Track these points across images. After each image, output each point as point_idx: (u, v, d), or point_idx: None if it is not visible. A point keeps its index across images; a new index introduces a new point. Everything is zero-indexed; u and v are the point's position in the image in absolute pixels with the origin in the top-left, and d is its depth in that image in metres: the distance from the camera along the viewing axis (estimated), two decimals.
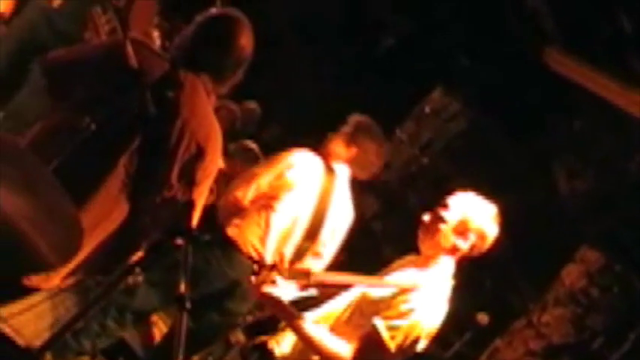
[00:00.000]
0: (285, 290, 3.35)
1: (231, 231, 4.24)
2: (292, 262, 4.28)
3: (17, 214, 2.00)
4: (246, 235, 4.21)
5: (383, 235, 7.10)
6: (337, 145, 4.48)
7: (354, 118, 4.58)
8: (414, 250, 3.58)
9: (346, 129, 4.52)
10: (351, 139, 4.47)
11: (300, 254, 4.31)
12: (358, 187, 7.45)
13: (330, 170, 4.40)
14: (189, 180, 2.98)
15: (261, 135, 7.21)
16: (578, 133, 7.45)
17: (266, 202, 4.25)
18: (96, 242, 2.93)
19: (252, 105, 7.30)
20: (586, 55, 6.95)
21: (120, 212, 3.01)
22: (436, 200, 3.62)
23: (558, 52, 7.07)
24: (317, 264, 4.36)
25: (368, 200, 7.27)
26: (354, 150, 4.47)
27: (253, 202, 4.28)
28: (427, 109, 7.75)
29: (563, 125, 7.46)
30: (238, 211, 4.24)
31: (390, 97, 7.52)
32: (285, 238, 4.26)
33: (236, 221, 4.24)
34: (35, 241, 1.98)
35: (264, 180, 4.31)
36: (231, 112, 6.39)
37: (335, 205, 4.39)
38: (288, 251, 4.29)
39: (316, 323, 3.32)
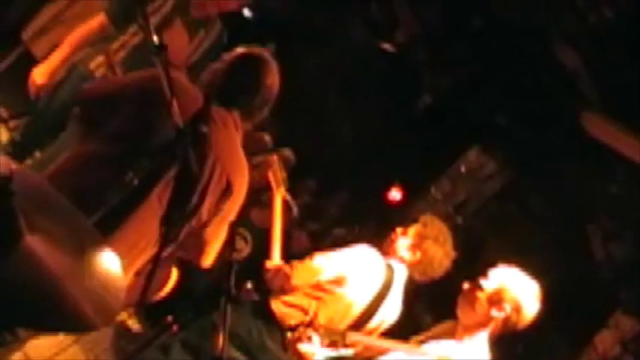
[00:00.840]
0: (320, 349, 3.37)
1: (275, 306, 4.22)
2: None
3: (61, 271, 2.02)
4: (291, 314, 4.19)
5: (416, 297, 7.05)
6: (402, 248, 4.46)
7: (425, 219, 4.55)
8: (450, 316, 3.58)
9: (415, 231, 4.49)
10: (418, 245, 4.46)
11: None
12: None
13: (389, 269, 4.39)
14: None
15: (296, 187, 7.22)
16: (615, 196, 7.40)
17: (320, 293, 4.24)
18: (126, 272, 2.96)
19: (287, 152, 7.35)
20: (624, 120, 6.94)
21: (148, 242, 3.03)
22: (469, 261, 3.65)
23: (596, 116, 7.06)
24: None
25: None
26: (418, 255, 4.46)
27: (306, 287, 4.26)
28: (463, 168, 7.74)
29: (600, 188, 7.41)
30: (288, 288, 4.21)
31: (426, 154, 7.54)
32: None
33: (284, 298, 4.22)
34: (79, 302, 2.00)
35: (323, 273, 4.29)
36: (286, 159, 6.40)
37: (387, 303, 4.37)
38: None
39: None
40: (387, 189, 7.53)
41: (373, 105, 7.92)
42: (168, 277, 3.29)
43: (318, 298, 4.23)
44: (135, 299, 2.84)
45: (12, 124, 5.96)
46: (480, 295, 3.44)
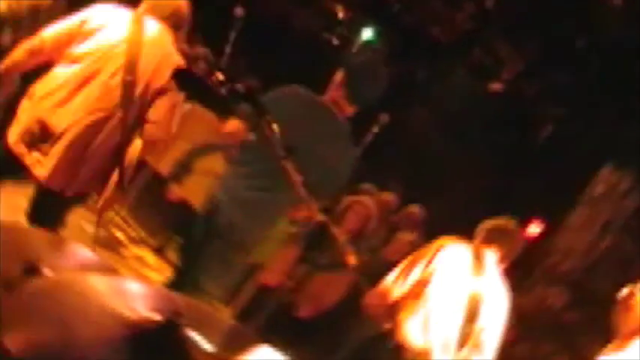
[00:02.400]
0: None
1: (388, 325, 4.34)
2: (458, 347, 4.28)
3: None
4: (408, 327, 4.28)
5: (575, 324, 6.92)
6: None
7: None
8: (607, 337, 3.57)
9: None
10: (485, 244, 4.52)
11: (463, 339, 4.30)
12: (543, 279, 7.35)
13: (478, 257, 4.43)
14: None
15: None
16: None
17: (419, 290, 4.32)
18: None
19: (415, 209, 7.44)
20: None
21: None
22: (624, 282, 3.64)
23: None
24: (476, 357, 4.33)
25: (555, 291, 7.16)
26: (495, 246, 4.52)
27: (406, 294, 4.36)
28: (598, 190, 7.62)
29: None
30: (389, 306, 4.33)
31: (553, 185, 7.49)
32: (443, 323, 4.28)
33: (393, 317, 4.33)
34: None
35: (416, 271, 4.39)
36: (367, 208, 6.49)
37: (487, 291, 4.38)
38: (453, 336, 4.29)
39: None
40: (525, 225, 7.48)
41: (490, 146, 7.95)
42: None
43: (420, 295, 4.36)
44: None
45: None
46: (636, 301, 3.44)
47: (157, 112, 3.97)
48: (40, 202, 3.96)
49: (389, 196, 7.77)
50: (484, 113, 8.87)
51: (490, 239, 4.52)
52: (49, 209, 3.97)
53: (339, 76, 4.25)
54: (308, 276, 6.03)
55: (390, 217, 7.23)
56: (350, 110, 4.22)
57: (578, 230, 7.50)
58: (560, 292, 7.09)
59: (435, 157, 10.78)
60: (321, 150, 4.06)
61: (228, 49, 4.86)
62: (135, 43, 3.90)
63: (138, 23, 3.96)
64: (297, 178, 3.24)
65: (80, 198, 4.15)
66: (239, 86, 3.78)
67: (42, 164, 3.80)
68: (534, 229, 7.88)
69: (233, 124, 4.17)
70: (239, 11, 5.22)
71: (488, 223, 4.59)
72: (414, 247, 6.39)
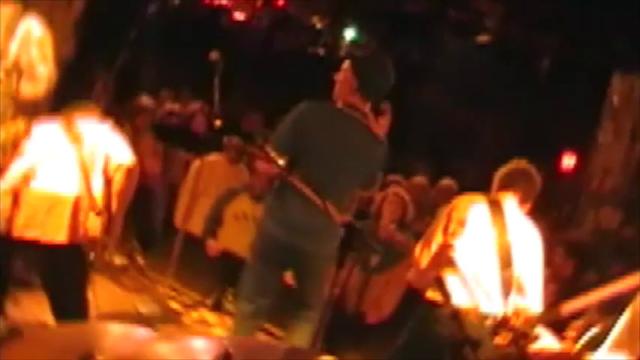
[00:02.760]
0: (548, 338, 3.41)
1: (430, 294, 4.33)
2: (504, 293, 4.24)
3: None
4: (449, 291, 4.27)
5: (635, 239, 6.81)
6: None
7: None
8: None
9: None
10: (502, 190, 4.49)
11: (505, 287, 4.26)
12: (592, 205, 7.26)
13: (495, 205, 4.39)
14: None
15: None
16: None
17: (446, 253, 4.30)
18: None
19: (448, 182, 7.45)
20: None
21: None
22: None
23: None
24: (527, 301, 4.28)
25: (606, 213, 7.07)
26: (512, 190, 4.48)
27: (433, 258, 4.34)
28: (615, 102, 7.56)
29: None
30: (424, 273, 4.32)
31: (570, 113, 7.45)
32: (480, 276, 4.25)
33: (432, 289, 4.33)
34: None
35: (438, 236, 4.38)
36: (401, 198, 6.49)
37: (515, 235, 4.34)
38: (494, 287, 4.26)
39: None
40: (558, 161, 7.45)
41: (502, 100, 7.94)
42: None
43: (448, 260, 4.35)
44: None
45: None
46: None
47: None
48: None
49: (419, 180, 7.78)
50: (482, 67, 8.90)
51: (506, 185, 4.47)
52: None
53: (348, 76, 4.48)
54: (365, 282, 6.04)
55: (425, 199, 7.22)
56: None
57: (609, 146, 7.44)
58: (612, 211, 7.02)
59: (451, 126, 10.78)
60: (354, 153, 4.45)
61: (216, 95, 4.91)
62: None
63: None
64: (306, 190, 3.34)
65: None
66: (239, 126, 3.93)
67: None
68: (568, 161, 7.82)
69: (259, 166, 4.37)
70: (214, 55, 5.26)
71: (501, 170, 4.55)
72: None
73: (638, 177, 7.21)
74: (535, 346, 3.70)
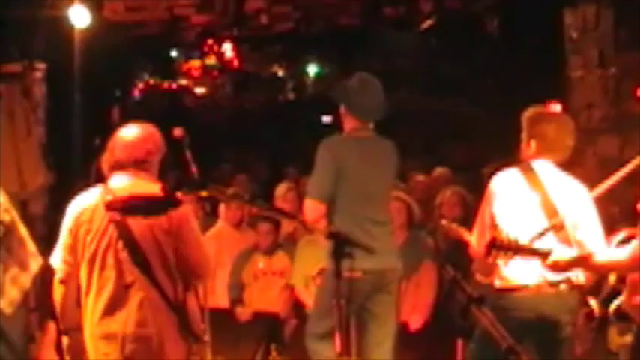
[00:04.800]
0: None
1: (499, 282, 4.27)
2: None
3: None
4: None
5: None
6: (524, 150, 4.42)
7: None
8: None
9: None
10: (529, 137, 4.40)
11: (563, 240, 4.19)
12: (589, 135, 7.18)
13: (526, 169, 4.33)
14: None
15: None
16: None
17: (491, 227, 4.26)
18: None
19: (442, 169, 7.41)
20: None
21: None
22: None
23: None
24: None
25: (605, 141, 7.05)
26: (534, 143, 4.39)
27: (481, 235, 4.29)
28: (575, 37, 7.56)
29: None
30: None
31: (537, 63, 7.44)
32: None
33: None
34: None
35: (486, 219, 4.31)
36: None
37: (555, 187, 4.27)
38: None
39: None
40: None
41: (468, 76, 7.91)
42: None
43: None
44: None
45: None
46: None
47: None
48: None
49: (442, 171, 7.83)
50: (436, 50, 8.93)
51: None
52: None
53: (341, 107, 4.92)
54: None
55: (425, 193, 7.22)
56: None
57: (582, 80, 7.41)
58: (609, 139, 7.01)
59: (436, 112, 10.77)
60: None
61: (192, 167, 4.88)
62: None
63: None
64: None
65: None
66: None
67: None
68: (555, 109, 7.78)
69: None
70: (177, 131, 5.25)
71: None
72: None
73: (618, 99, 7.18)
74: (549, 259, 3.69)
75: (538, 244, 3.94)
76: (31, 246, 4.26)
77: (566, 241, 4.13)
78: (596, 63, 7.32)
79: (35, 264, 4.43)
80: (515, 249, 3.81)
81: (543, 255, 3.80)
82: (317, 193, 4.75)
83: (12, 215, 4.09)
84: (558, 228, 4.13)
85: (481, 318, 3.19)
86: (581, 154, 6.89)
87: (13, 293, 4.51)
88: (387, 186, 5.03)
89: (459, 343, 4.65)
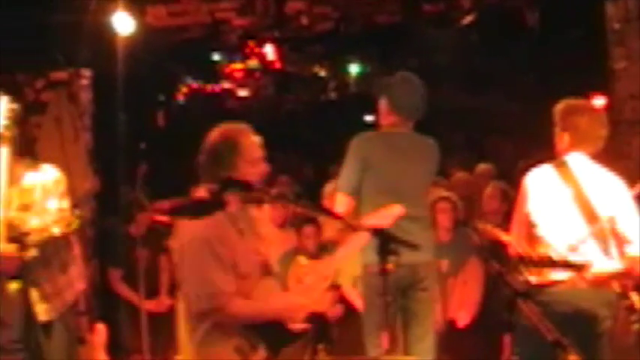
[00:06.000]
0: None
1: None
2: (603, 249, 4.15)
3: None
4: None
5: None
6: (558, 144, 4.41)
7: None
8: None
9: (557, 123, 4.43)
10: (562, 130, 4.38)
11: (602, 240, 4.17)
12: (633, 126, 7.10)
13: (559, 164, 4.31)
14: None
15: None
16: None
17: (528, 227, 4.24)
18: None
19: (485, 165, 7.38)
20: None
21: None
22: None
23: None
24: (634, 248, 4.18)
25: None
26: (567, 136, 4.38)
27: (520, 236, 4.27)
28: (616, 28, 7.47)
29: None
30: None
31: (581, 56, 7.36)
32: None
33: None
34: None
35: (523, 216, 4.31)
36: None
37: (591, 185, 4.25)
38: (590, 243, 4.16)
39: None
40: None
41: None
42: None
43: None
44: None
45: None
46: None
47: None
48: None
49: (484, 167, 7.82)
50: (477, 46, 8.88)
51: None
52: None
53: (383, 104, 4.99)
54: (443, 290, 5.98)
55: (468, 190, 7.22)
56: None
57: (626, 71, 7.31)
58: None
59: (477, 109, 10.72)
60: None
61: None
62: None
63: None
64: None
65: None
66: None
67: None
68: (599, 102, 7.71)
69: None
70: None
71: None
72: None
73: None
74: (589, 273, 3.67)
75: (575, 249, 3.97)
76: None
77: (602, 236, 4.12)
78: (638, 54, 7.22)
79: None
80: (548, 264, 3.81)
81: (580, 268, 3.79)
82: (344, 186, 4.88)
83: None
84: (593, 222, 4.14)
85: (527, 312, 3.18)
86: (628, 146, 6.82)
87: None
88: (421, 182, 5.03)
89: (505, 338, 4.65)
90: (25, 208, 4.33)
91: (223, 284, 3.48)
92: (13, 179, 4.34)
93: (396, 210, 3.93)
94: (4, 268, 3.94)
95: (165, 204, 8.79)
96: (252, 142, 3.79)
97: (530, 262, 3.85)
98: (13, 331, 4.06)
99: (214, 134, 3.74)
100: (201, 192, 3.61)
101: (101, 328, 5.70)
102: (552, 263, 3.85)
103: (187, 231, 3.58)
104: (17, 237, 4.05)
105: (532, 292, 4.07)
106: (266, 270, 3.73)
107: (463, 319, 6.01)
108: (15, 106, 4.28)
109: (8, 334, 4.01)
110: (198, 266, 3.50)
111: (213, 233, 3.51)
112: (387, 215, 3.90)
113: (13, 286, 4.07)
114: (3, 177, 4.14)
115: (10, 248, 4.03)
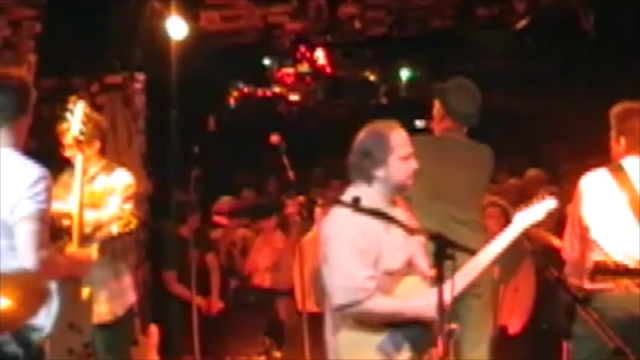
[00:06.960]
0: None
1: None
2: None
3: None
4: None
5: None
6: (614, 148, 4.36)
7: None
8: None
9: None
10: (619, 134, 4.32)
11: None
12: None
13: (615, 168, 4.26)
14: None
15: None
16: None
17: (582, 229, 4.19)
18: None
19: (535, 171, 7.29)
20: None
21: None
22: None
23: None
24: None
25: None
26: (623, 140, 4.31)
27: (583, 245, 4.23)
28: None
29: None
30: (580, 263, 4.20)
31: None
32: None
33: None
34: None
35: (577, 221, 4.26)
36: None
37: None
38: None
39: None
40: None
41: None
42: None
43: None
44: None
45: None
46: None
47: None
48: None
49: (534, 173, 7.74)
50: (531, 50, 8.77)
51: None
52: None
53: (437, 108, 4.98)
54: (494, 296, 5.92)
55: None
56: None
57: None
58: None
59: (530, 113, 10.61)
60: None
61: (290, 173, 4.98)
62: None
63: None
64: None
65: None
66: None
67: None
68: None
69: None
70: (274, 138, 5.35)
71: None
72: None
73: None
74: None
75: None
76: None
77: None
78: None
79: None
80: (624, 273, 3.76)
81: None
82: None
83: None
84: None
85: (587, 319, 3.14)
86: None
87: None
88: (471, 186, 4.96)
89: (565, 345, 4.56)
90: (92, 208, 4.40)
91: (363, 279, 3.45)
92: (87, 179, 4.42)
93: None
94: (80, 272, 3.97)
95: (225, 205, 8.90)
96: (403, 138, 3.73)
97: (607, 271, 3.83)
98: (85, 335, 4.10)
99: (364, 133, 3.72)
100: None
101: (154, 330, 5.77)
102: (629, 272, 3.83)
103: (331, 226, 3.58)
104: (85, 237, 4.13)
105: (590, 299, 4.06)
106: (410, 267, 3.68)
107: (514, 326, 5.95)
108: (90, 110, 4.39)
109: (81, 338, 4.05)
110: (339, 261, 3.49)
111: (357, 229, 3.49)
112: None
113: (87, 290, 4.12)
114: (78, 182, 4.18)
115: (87, 252, 4.08)
